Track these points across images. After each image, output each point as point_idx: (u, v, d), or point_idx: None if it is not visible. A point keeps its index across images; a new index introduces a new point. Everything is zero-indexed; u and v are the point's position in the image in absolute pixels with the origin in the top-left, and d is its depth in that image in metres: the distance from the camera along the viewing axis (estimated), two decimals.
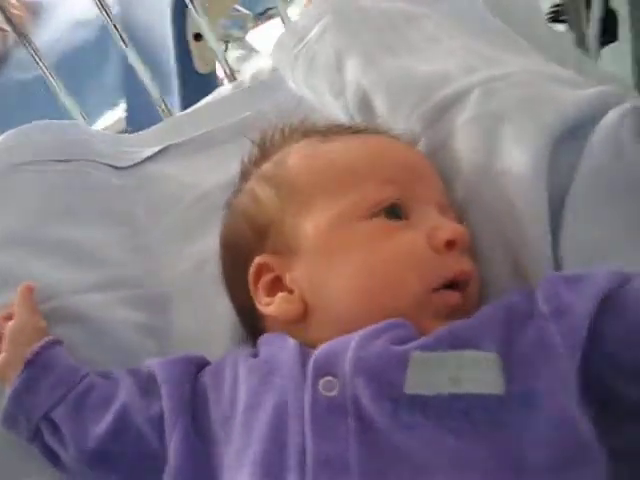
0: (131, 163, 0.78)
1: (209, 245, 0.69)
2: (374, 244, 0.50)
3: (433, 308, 0.50)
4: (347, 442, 0.41)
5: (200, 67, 1.81)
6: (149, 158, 0.79)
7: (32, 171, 0.73)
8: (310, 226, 0.53)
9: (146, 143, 0.82)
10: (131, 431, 0.52)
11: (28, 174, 0.73)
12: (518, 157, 0.58)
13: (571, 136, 0.59)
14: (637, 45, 0.87)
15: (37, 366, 0.56)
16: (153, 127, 0.87)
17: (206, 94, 1.95)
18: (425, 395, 0.43)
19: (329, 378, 0.44)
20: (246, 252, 0.56)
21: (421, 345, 0.45)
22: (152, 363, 0.57)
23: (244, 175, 0.63)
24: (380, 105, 0.67)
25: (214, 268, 0.67)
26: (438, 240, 0.50)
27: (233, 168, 0.75)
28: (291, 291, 0.53)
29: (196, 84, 1.81)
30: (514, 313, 0.48)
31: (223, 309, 0.66)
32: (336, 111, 0.72)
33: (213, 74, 1.82)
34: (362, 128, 0.62)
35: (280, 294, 0.53)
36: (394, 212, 0.52)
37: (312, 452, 0.42)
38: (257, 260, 0.55)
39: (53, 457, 0.55)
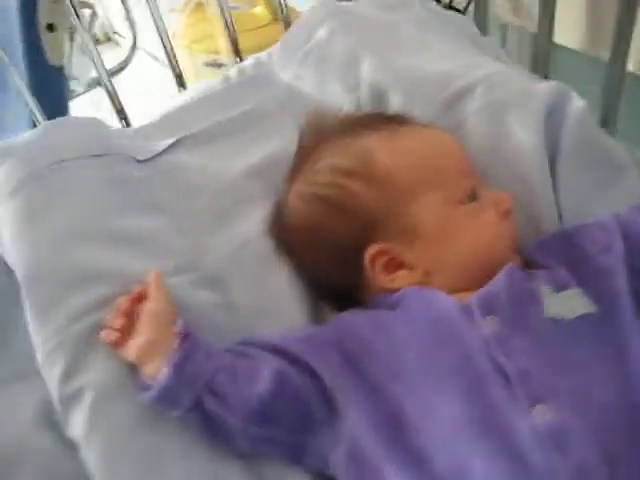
0: (150, 155, 0.80)
1: (245, 229, 0.76)
2: (475, 222, 0.67)
3: (514, 249, 0.69)
4: (527, 355, 0.56)
5: (52, 59, 1.73)
6: (165, 151, 0.81)
7: (80, 166, 0.73)
8: (423, 216, 0.66)
9: (152, 137, 0.84)
10: (290, 390, 0.60)
11: (77, 169, 0.73)
12: (523, 139, 0.76)
13: (549, 118, 0.79)
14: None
15: (190, 341, 0.60)
16: (151, 122, 0.88)
17: (57, 87, 1.87)
18: (558, 318, 0.59)
19: (492, 316, 0.58)
20: (350, 242, 0.67)
21: (542, 283, 0.62)
22: (287, 343, 0.63)
23: (304, 161, 0.72)
24: (396, 99, 0.80)
25: (257, 248, 0.75)
26: (503, 210, 0.69)
27: (250, 156, 0.83)
28: (412, 268, 0.66)
29: (46, 76, 1.72)
30: (573, 260, 0.66)
31: (277, 284, 0.74)
32: (344, 103, 0.83)
33: (64, 67, 1.75)
34: (407, 118, 0.74)
35: (402, 272, 0.66)
36: (474, 197, 0.68)
37: (511, 367, 0.55)
38: (374, 249, 0.66)
39: (210, 424, 0.60)
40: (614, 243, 0.66)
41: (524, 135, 0.76)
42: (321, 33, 0.87)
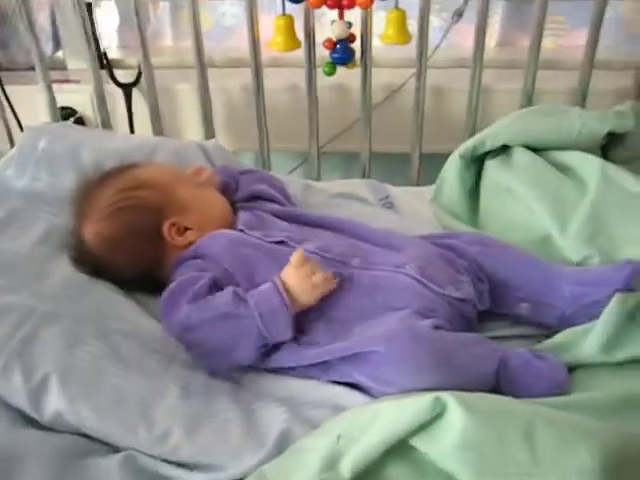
0: None
1: (62, 272, 1.08)
2: (213, 194, 1.15)
3: None
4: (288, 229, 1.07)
5: None
6: None
7: None
8: (185, 196, 1.10)
9: None
10: None
11: None
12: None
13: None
14: None
15: None
16: None
17: None
18: None
19: (255, 230, 1.07)
20: (150, 227, 1.06)
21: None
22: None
23: (88, 200, 1.09)
24: (112, 164, 1.21)
25: (79, 278, 1.08)
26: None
27: (29, 239, 1.15)
28: (192, 228, 1.08)
29: None
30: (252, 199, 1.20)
31: (105, 293, 1.07)
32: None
33: None
34: (138, 162, 1.18)
35: (188, 232, 1.08)
36: (202, 184, 1.16)
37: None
38: (167, 224, 1.06)
39: None
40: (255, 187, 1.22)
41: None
42: (42, 144, 1.26)
